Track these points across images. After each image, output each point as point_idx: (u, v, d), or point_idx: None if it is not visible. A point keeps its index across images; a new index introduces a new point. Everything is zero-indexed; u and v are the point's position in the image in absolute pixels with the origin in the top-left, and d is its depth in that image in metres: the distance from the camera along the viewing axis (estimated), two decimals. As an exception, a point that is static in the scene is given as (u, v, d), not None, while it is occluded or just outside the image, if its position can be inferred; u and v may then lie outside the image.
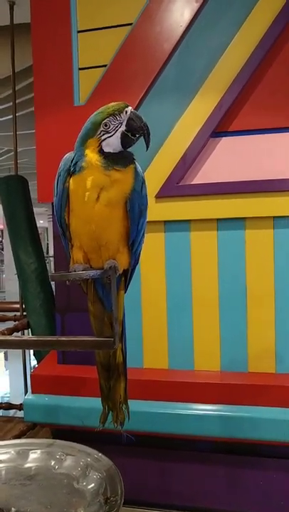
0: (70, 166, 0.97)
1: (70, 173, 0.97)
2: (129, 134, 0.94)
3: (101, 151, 0.94)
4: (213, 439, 1.57)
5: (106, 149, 0.94)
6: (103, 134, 0.94)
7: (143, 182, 1.00)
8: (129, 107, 0.96)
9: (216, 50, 1.61)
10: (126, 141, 0.95)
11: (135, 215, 0.99)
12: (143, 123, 0.95)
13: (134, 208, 0.98)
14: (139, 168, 1.00)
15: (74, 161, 0.96)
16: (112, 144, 0.94)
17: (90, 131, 0.95)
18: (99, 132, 0.94)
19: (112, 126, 0.94)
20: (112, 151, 0.94)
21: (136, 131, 0.94)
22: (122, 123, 0.94)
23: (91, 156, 0.94)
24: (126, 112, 0.95)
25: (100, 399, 1.47)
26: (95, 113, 0.97)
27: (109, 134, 0.94)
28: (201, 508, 1.64)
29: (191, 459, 1.65)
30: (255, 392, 1.54)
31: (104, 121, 0.94)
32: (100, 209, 0.94)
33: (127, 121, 0.94)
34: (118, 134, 0.94)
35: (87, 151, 0.95)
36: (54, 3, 1.74)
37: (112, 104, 0.96)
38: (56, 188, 1.00)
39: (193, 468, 1.65)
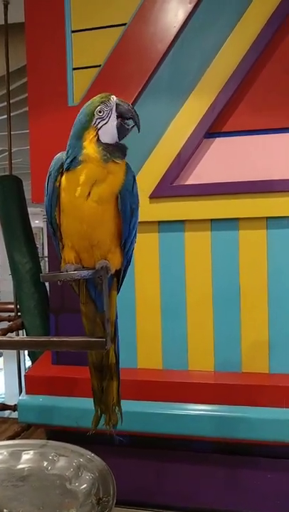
0: (62, 164, 0.97)
1: (63, 170, 0.97)
2: (121, 121, 0.96)
3: (99, 142, 0.94)
4: (208, 439, 1.57)
5: (103, 139, 0.95)
6: (99, 122, 0.95)
7: (134, 181, 1.00)
8: (113, 95, 0.98)
9: (210, 51, 1.62)
10: (121, 129, 0.96)
11: (127, 215, 0.99)
12: (130, 106, 0.98)
13: (125, 207, 0.98)
14: (130, 166, 1.00)
15: (70, 158, 0.95)
16: (109, 131, 0.95)
17: (85, 122, 0.96)
18: (94, 121, 0.95)
19: (105, 112, 0.95)
20: (109, 142, 0.95)
21: (126, 113, 0.96)
22: (112, 109, 0.96)
23: (89, 147, 0.94)
24: (113, 99, 0.97)
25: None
26: (85, 106, 0.98)
27: (105, 121, 0.95)
28: (195, 509, 1.64)
29: (186, 459, 1.65)
30: (249, 392, 1.54)
31: (98, 108, 0.95)
32: (91, 207, 0.94)
33: (116, 106, 0.96)
34: (113, 123, 0.95)
35: (85, 143, 0.95)
36: (48, 2, 1.74)
37: (96, 96, 0.98)
38: (47, 187, 1.00)
39: (188, 468, 1.65)
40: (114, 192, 0.96)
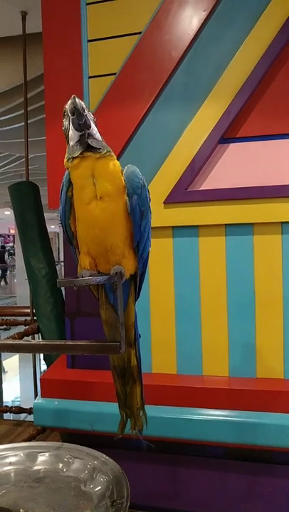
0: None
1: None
2: (71, 118, 0.96)
3: (68, 145, 0.99)
4: (222, 444, 1.57)
5: (71, 143, 0.98)
6: (67, 135, 0.98)
7: (143, 185, 1.02)
8: (68, 102, 0.97)
9: (224, 57, 1.63)
10: (74, 125, 0.96)
11: (137, 218, 1.00)
12: (71, 99, 0.96)
13: (134, 210, 1.00)
14: (138, 171, 1.02)
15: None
16: (72, 137, 0.97)
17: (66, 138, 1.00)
18: (66, 134, 0.99)
19: (65, 124, 0.98)
20: (74, 142, 0.97)
21: (71, 110, 0.96)
22: (67, 115, 0.97)
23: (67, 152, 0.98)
24: (66, 108, 0.97)
25: (108, 403, 1.48)
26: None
27: (69, 130, 0.98)
28: (209, 515, 1.63)
29: (199, 465, 1.65)
30: (264, 398, 1.53)
31: (63, 126, 0.99)
32: (101, 211, 0.96)
33: (66, 112, 0.97)
34: (70, 125, 0.97)
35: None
36: (65, 13, 1.78)
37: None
38: (60, 197, 1.03)
39: (202, 473, 1.65)
40: (118, 185, 0.98)
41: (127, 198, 0.99)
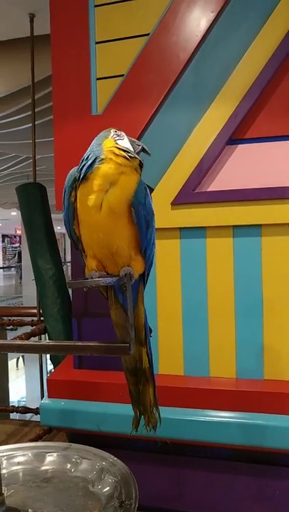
0: (75, 179, 1.01)
1: (79, 180, 1.00)
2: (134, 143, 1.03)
3: (118, 145, 1.00)
4: (229, 446, 1.56)
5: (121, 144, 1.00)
6: (116, 137, 1.02)
7: (146, 192, 1.01)
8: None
9: (232, 59, 1.63)
10: (132, 147, 1.02)
11: (143, 227, 1.00)
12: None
13: (140, 219, 0.99)
14: (141, 180, 1.02)
15: (90, 160, 0.98)
16: (125, 144, 1.01)
17: (104, 136, 1.02)
18: (112, 135, 1.02)
19: (120, 134, 1.03)
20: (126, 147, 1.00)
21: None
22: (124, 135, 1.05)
23: (111, 144, 0.99)
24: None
25: (115, 404, 1.48)
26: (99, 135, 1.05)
27: (121, 138, 1.02)
28: (216, 516, 1.63)
29: (206, 466, 1.64)
30: (272, 400, 1.53)
31: (113, 130, 1.04)
32: (104, 215, 0.96)
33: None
34: (127, 141, 1.02)
35: (106, 142, 1.00)
36: (73, 15, 1.78)
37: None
38: (64, 202, 1.03)
39: (208, 475, 1.65)
40: (126, 200, 0.97)
41: (132, 208, 0.98)
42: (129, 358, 1.11)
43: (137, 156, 0.99)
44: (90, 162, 0.98)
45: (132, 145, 1.02)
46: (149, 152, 1.06)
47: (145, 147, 1.04)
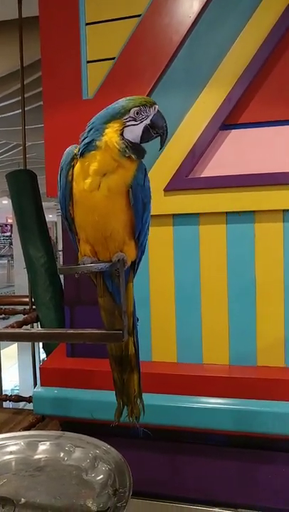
0: (73, 157, 0.97)
1: (78, 157, 0.97)
2: (151, 130, 0.96)
3: (121, 136, 0.94)
4: (222, 432, 1.57)
5: (126, 135, 0.94)
6: (130, 120, 0.94)
7: (145, 174, 0.99)
8: (157, 105, 0.97)
9: (225, 42, 1.59)
10: (146, 135, 0.96)
11: (139, 209, 0.98)
12: (166, 123, 0.97)
13: (137, 201, 0.97)
14: (142, 161, 1.00)
15: (88, 139, 0.95)
16: (134, 132, 0.94)
17: (118, 113, 0.95)
18: (126, 117, 0.94)
19: (140, 116, 0.95)
20: (130, 140, 0.94)
21: (158, 128, 0.96)
22: (148, 116, 0.95)
23: (111, 135, 0.93)
24: (154, 108, 0.96)
25: (108, 392, 1.47)
26: (126, 99, 0.96)
27: (135, 123, 0.95)
28: (210, 501, 1.64)
29: (200, 452, 1.66)
30: (264, 386, 1.53)
31: (136, 109, 0.94)
32: (102, 197, 0.94)
33: (153, 116, 0.95)
34: (142, 126, 0.95)
35: (108, 130, 0.94)
36: (62, -5, 1.73)
37: (142, 96, 0.98)
38: (59, 181, 1.00)
39: (202, 461, 1.66)
40: (125, 185, 0.95)
41: (130, 189, 0.96)
42: (115, 346, 1.10)
43: (133, 155, 0.94)
44: (88, 141, 0.95)
45: (143, 134, 0.95)
46: (162, 145, 1.00)
47: (164, 138, 0.98)
